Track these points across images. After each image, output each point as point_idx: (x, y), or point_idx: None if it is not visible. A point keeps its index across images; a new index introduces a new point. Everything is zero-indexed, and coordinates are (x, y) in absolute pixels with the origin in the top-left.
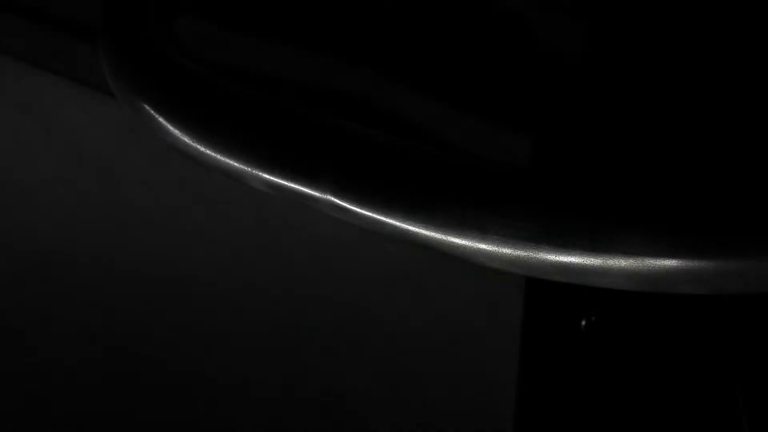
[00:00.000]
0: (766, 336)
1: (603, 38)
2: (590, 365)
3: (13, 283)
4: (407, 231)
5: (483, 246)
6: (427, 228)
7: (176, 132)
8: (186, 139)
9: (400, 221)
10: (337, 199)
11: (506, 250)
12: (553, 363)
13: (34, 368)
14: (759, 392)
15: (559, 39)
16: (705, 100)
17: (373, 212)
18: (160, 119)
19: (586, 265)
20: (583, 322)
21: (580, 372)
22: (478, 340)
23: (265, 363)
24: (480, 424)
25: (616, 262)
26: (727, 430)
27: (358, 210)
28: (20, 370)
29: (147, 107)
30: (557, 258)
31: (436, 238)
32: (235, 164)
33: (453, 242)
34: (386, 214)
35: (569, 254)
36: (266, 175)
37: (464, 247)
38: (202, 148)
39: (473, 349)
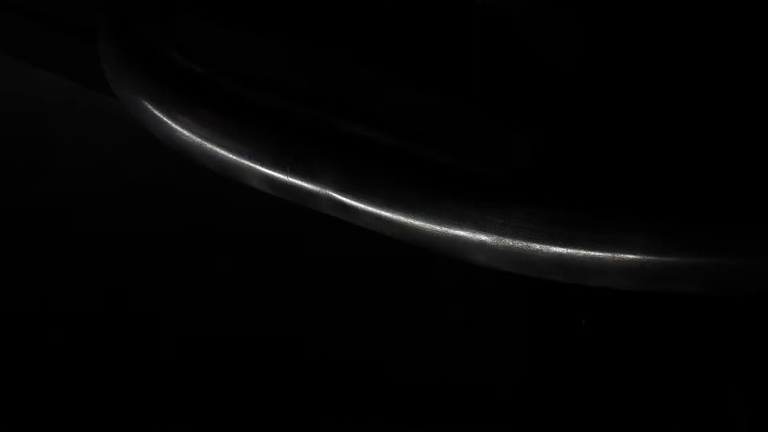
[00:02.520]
0: (766, 337)
1: (602, 38)
2: (590, 365)
3: (13, 283)
4: (407, 229)
5: (483, 245)
6: (426, 226)
7: (176, 130)
8: (186, 138)
9: (399, 219)
10: (338, 195)
11: (506, 250)
12: (553, 363)
13: (34, 367)
14: (759, 392)
15: (558, 39)
16: (703, 99)
17: (373, 210)
18: (161, 118)
19: (586, 264)
20: (583, 322)
21: (580, 372)
22: (479, 340)
23: (265, 362)
24: (481, 423)
25: (617, 262)
26: (727, 430)
27: (358, 206)
28: (20, 369)
29: (147, 106)
30: (557, 257)
31: (435, 237)
32: (235, 162)
33: (452, 241)
34: (386, 212)
35: (570, 254)
36: (266, 172)
37: (464, 247)
38: (202, 147)
39: (474, 349)
